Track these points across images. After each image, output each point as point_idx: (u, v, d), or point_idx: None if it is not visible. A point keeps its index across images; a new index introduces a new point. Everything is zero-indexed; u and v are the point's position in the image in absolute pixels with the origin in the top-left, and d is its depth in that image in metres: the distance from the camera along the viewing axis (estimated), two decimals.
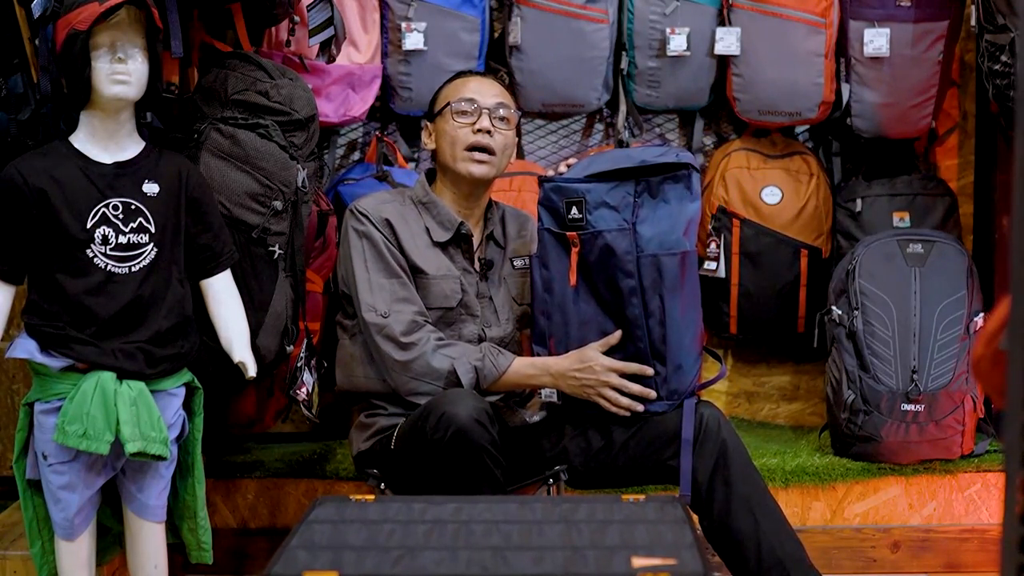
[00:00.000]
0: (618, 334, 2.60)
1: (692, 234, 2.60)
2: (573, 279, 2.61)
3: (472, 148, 2.74)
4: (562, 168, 2.73)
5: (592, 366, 2.59)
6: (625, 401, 2.60)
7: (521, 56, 3.59)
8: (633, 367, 2.59)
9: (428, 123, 2.85)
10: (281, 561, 1.65)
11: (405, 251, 2.72)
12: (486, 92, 2.80)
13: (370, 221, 2.72)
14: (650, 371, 2.59)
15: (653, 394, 2.60)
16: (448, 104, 2.78)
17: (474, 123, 2.75)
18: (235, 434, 3.45)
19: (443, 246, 2.77)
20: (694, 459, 2.58)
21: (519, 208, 3.04)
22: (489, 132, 2.75)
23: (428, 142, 2.85)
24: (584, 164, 2.67)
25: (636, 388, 2.60)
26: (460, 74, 2.90)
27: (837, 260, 3.57)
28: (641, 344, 2.59)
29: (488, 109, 2.76)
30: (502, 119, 2.78)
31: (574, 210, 2.60)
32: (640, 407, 2.61)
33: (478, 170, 2.76)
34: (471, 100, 2.77)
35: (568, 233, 2.60)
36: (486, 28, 3.58)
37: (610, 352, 2.61)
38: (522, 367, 2.65)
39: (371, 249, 2.70)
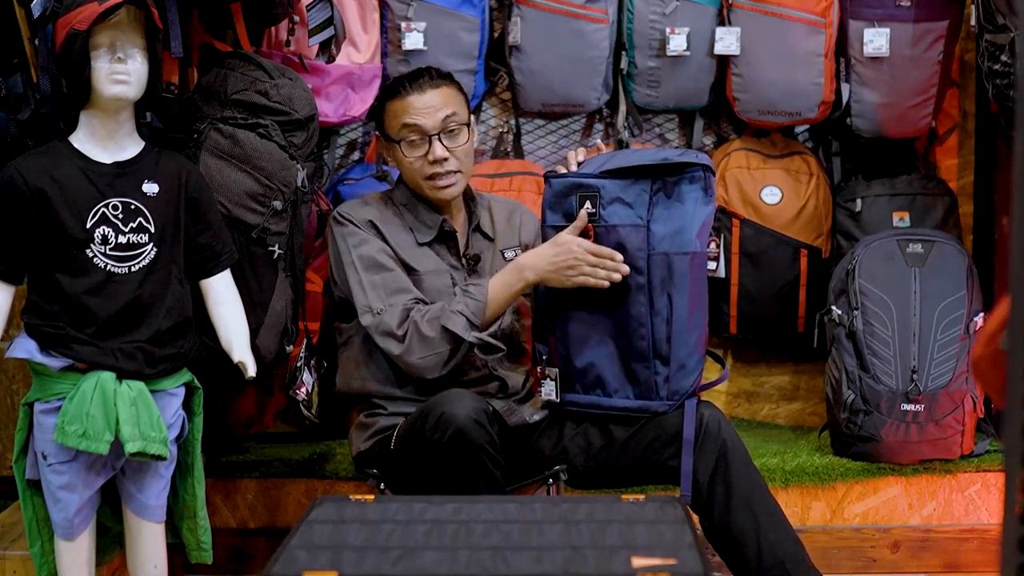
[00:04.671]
0: (584, 215, 2.59)
1: (704, 236, 2.59)
2: None
3: (432, 177, 2.72)
4: (572, 165, 2.71)
5: (568, 247, 2.57)
6: (603, 272, 2.56)
7: (521, 56, 3.59)
8: (606, 251, 2.56)
9: (384, 142, 2.80)
10: (281, 561, 1.65)
11: (394, 250, 2.72)
12: (428, 110, 2.71)
13: (353, 224, 2.72)
14: (621, 259, 2.55)
15: (627, 269, 2.55)
16: (395, 140, 2.73)
17: (426, 153, 2.71)
18: (235, 434, 3.45)
19: (429, 244, 2.76)
20: (694, 459, 2.58)
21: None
22: (445, 159, 2.71)
23: (391, 160, 2.82)
24: (600, 160, 2.66)
25: (609, 252, 2.56)
26: (396, 92, 2.76)
27: (837, 260, 3.57)
28: (644, 342, 2.59)
29: (436, 133, 2.70)
30: (452, 133, 2.72)
31: (588, 204, 2.60)
32: (618, 274, 2.55)
33: (447, 193, 2.74)
34: (415, 127, 2.71)
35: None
36: (486, 28, 3.58)
37: (612, 349, 2.62)
38: (499, 280, 2.63)
39: (357, 249, 2.70)
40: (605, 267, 2.56)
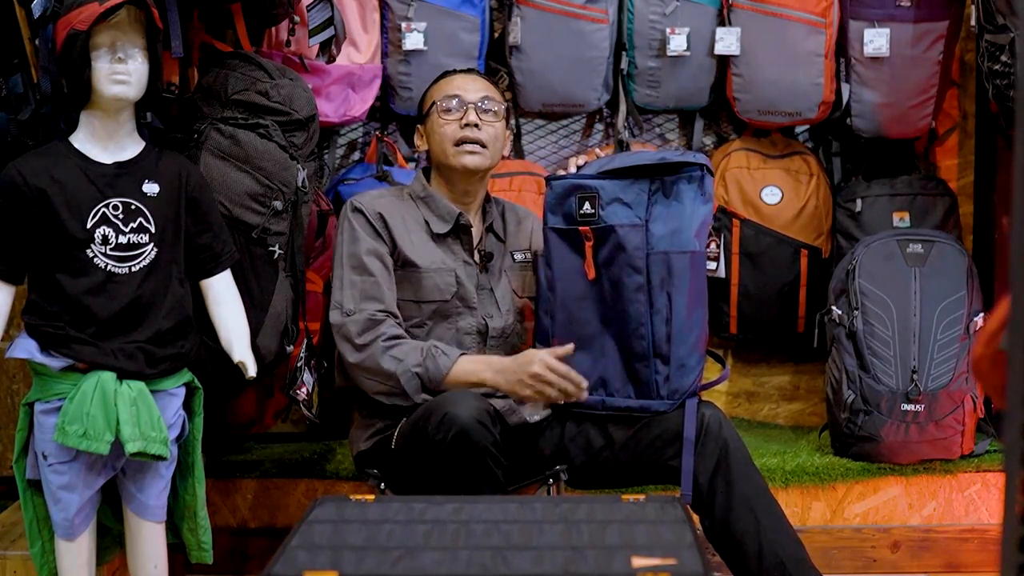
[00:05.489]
0: (570, 347, 2.58)
1: (703, 236, 2.61)
2: (592, 273, 2.62)
3: (461, 142, 2.76)
4: (571, 169, 2.74)
5: (528, 367, 2.54)
6: (555, 392, 2.54)
7: (521, 56, 3.59)
8: (574, 375, 2.54)
9: (420, 126, 2.87)
10: (281, 561, 1.65)
11: (397, 245, 2.73)
12: (470, 87, 2.82)
13: (363, 215, 2.73)
14: (571, 347, 2.56)
15: (584, 383, 2.54)
16: (434, 104, 2.81)
17: (460, 118, 2.77)
18: (235, 434, 3.45)
19: (443, 238, 2.77)
20: (695, 459, 2.58)
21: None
22: (476, 126, 2.76)
23: (420, 144, 2.87)
24: (600, 163, 2.69)
25: (577, 378, 2.54)
26: (444, 74, 2.90)
27: (837, 260, 3.57)
28: (644, 342, 2.59)
29: (473, 104, 2.78)
30: (488, 111, 2.79)
31: (587, 205, 2.61)
32: (570, 398, 2.56)
33: (471, 160, 2.76)
34: (455, 96, 2.79)
35: (581, 227, 2.61)
36: (486, 28, 3.58)
37: (613, 349, 2.62)
38: (466, 363, 2.62)
39: (351, 246, 2.72)
40: (563, 387, 2.53)
